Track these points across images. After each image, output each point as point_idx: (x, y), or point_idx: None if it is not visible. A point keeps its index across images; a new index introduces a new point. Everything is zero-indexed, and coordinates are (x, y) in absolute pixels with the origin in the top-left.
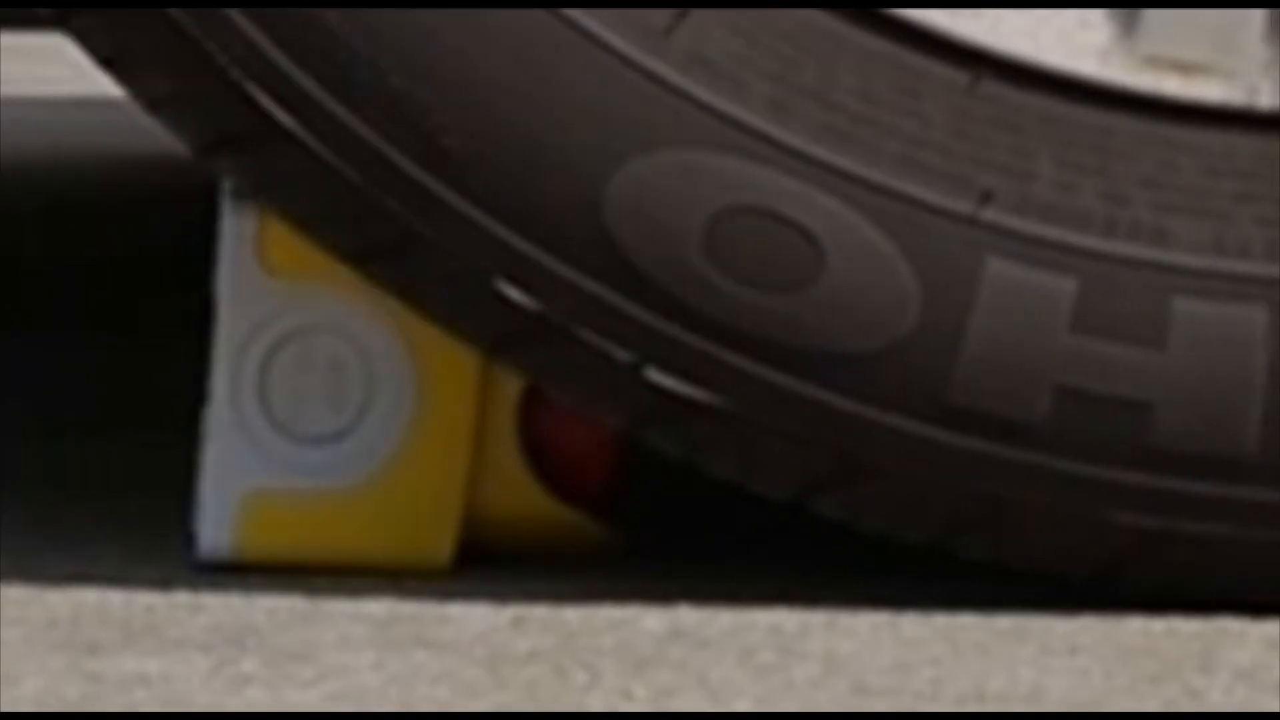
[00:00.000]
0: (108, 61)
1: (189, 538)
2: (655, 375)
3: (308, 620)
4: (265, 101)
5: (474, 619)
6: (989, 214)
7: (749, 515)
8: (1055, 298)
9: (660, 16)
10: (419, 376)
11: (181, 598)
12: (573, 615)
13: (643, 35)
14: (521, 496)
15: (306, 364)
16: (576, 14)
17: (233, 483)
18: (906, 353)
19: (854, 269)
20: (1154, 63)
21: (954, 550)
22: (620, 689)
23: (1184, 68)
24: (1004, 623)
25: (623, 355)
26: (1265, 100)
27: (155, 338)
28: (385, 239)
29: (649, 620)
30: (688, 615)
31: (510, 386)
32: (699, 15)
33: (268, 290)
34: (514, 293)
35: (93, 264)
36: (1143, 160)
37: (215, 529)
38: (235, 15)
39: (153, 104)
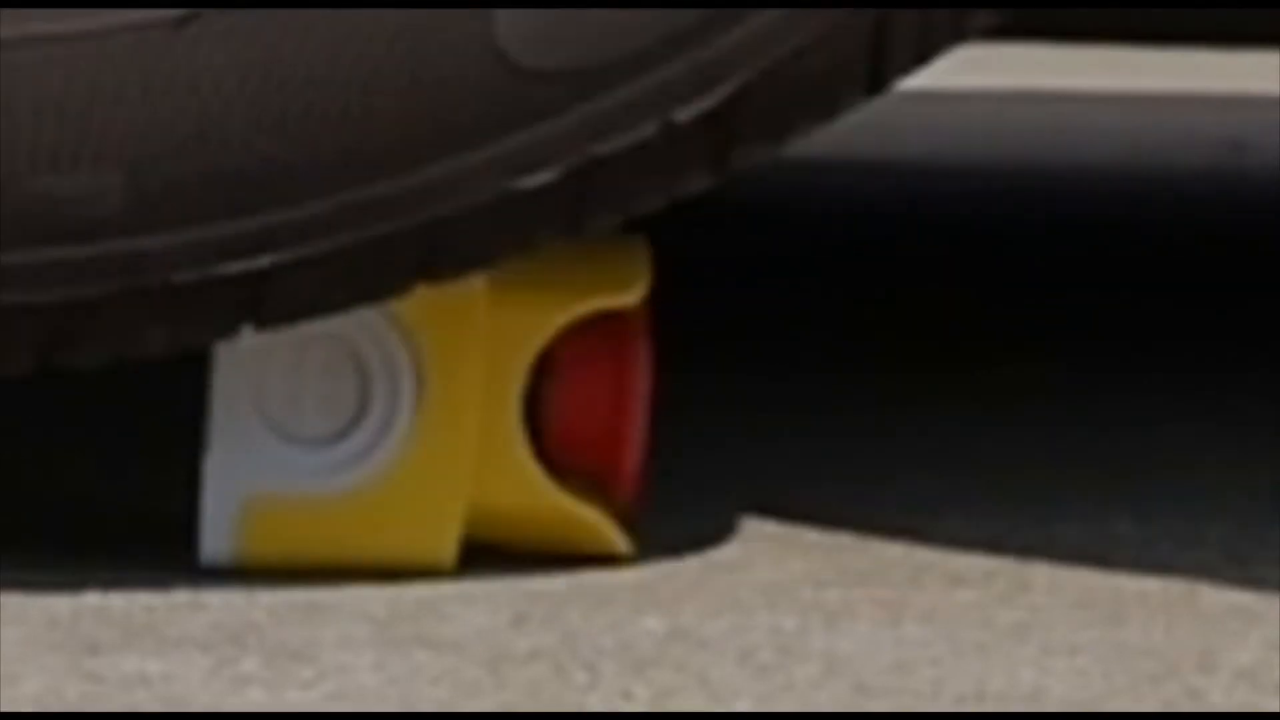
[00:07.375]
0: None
1: (191, 543)
2: (684, 114)
3: (308, 620)
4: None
5: (474, 619)
6: None
7: (748, 515)
8: None
9: None
10: (417, 378)
11: (181, 597)
12: (573, 615)
13: None
14: (531, 496)
15: (304, 368)
16: None
17: (233, 488)
18: None
19: None
20: None
21: None
22: (620, 689)
23: None
24: (1004, 623)
25: (681, 115)
26: None
27: None
28: (398, 279)
29: (649, 620)
30: (688, 615)
31: (514, 385)
32: None
33: None
34: (527, 181)
35: None
36: None
37: (216, 534)
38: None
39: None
